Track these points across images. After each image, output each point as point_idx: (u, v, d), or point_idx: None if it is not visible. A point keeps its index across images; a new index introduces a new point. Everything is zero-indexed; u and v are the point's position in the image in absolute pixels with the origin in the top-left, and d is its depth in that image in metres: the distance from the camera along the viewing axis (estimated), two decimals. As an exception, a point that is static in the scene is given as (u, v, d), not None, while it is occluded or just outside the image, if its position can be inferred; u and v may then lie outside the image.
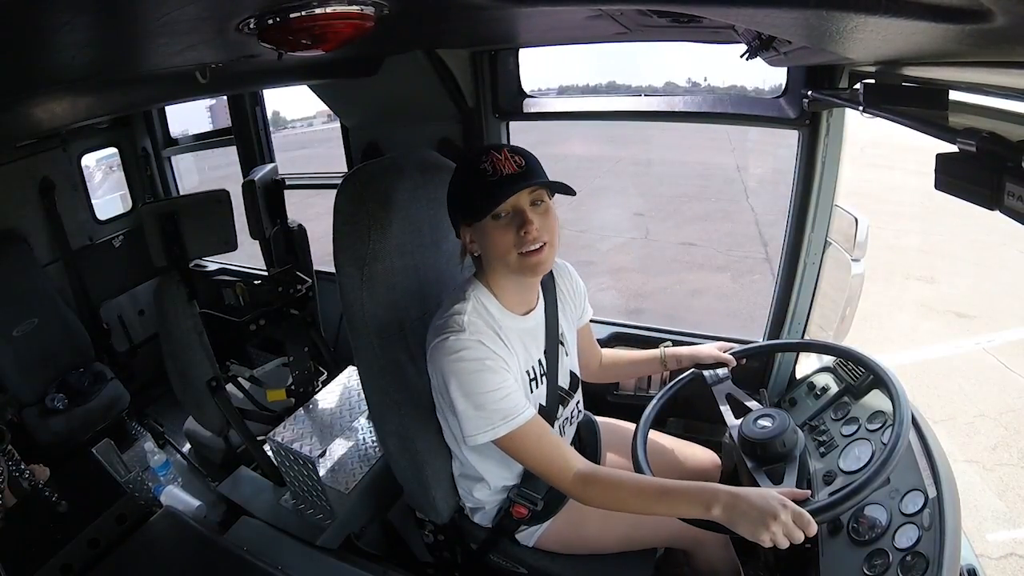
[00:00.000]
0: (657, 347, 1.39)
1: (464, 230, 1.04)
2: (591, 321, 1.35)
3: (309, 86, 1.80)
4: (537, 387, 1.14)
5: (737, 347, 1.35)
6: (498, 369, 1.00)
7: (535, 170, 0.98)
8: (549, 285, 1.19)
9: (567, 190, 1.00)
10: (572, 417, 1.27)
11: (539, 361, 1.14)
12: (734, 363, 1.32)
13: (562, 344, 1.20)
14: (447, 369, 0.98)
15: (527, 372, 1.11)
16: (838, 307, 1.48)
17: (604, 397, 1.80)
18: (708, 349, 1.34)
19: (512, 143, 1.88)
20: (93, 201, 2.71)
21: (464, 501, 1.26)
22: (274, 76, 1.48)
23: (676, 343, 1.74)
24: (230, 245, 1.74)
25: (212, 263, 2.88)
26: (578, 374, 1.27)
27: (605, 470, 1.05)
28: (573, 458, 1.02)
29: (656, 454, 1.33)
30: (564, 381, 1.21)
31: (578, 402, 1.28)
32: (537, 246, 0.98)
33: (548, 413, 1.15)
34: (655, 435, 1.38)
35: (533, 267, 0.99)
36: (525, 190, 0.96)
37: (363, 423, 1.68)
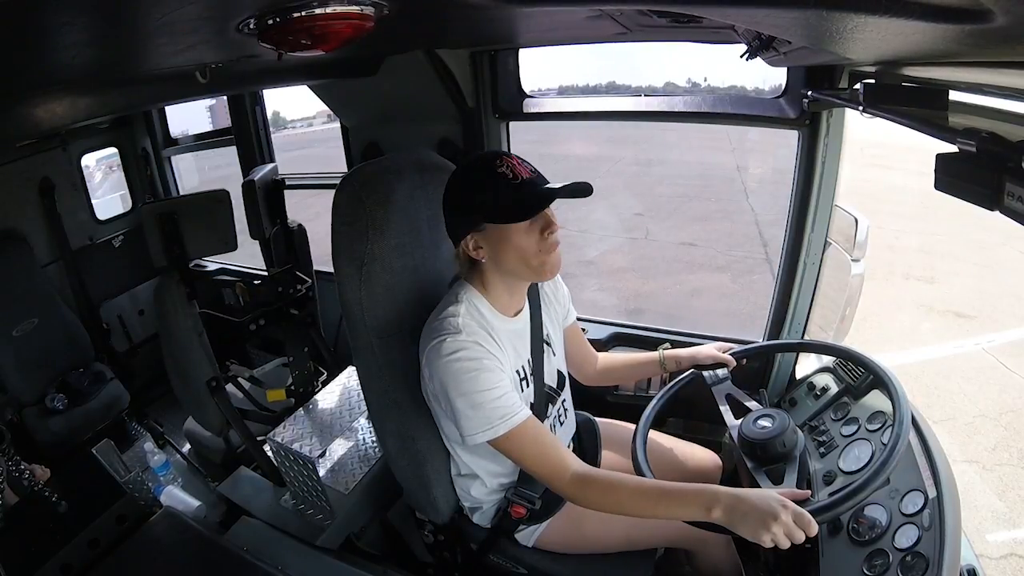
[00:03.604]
0: (656, 349, 1.39)
1: (472, 235, 1.03)
2: (588, 321, 1.35)
3: (309, 86, 1.80)
4: (526, 387, 1.15)
5: (736, 347, 1.35)
6: (494, 369, 1.00)
7: (542, 175, 1.02)
8: (533, 287, 1.20)
9: (585, 191, 1.01)
10: (561, 416, 1.27)
11: (528, 361, 1.16)
12: (733, 363, 1.32)
13: (548, 344, 1.22)
14: (444, 370, 0.99)
15: (517, 372, 1.12)
16: (838, 307, 1.48)
17: (604, 397, 1.80)
18: (707, 350, 1.34)
19: (512, 143, 1.90)
20: (93, 201, 2.70)
21: (463, 501, 1.26)
22: (274, 76, 1.48)
23: (676, 343, 1.74)
24: (230, 245, 1.73)
25: (212, 263, 2.88)
26: (565, 374, 1.28)
27: (603, 472, 1.05)
28: (570, 459, 1.02)
29: (657, 455, 1.32)
30: (551, 380, 1.23)
31: (564, 400, 1.28)
32: (557, 245, 1.03)
33: (538, 412, 1.15)
34: (655, 435, 1.38)
35: (552, 268, 1.04)
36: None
37: (363, 423, 1.67)
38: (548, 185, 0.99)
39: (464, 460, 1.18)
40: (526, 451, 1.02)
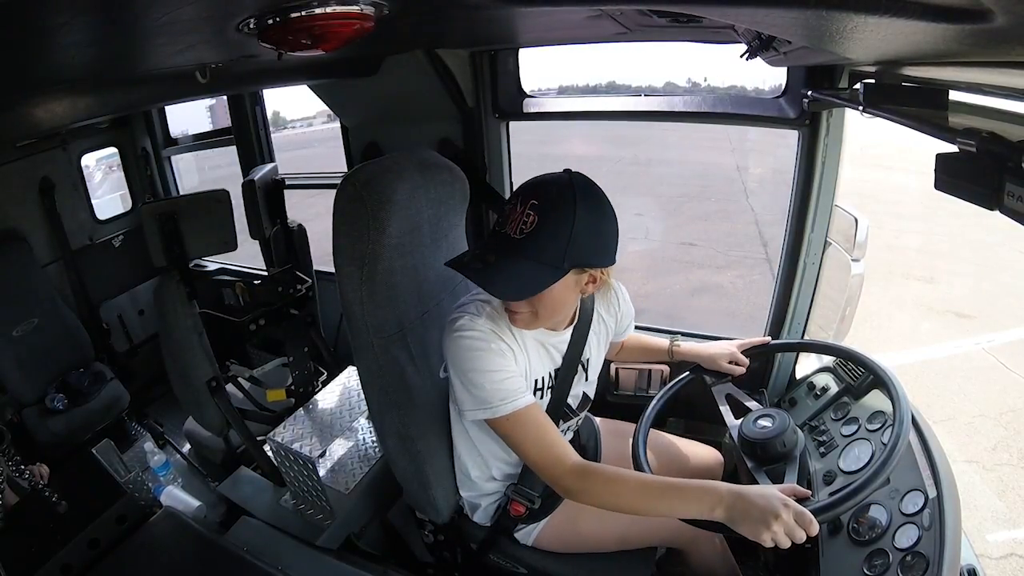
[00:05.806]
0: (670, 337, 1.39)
1: None
2: None
3: (309, 86, 1.80)
4: (541, 398, 1.12)
5: (750, 341, 1.35)
6: (504, 353, 1.00)
7: (535, 240, 0.89)
8: (588, 308, 1.16)
9: (512, 294, 0.94)
10: (569, 430, 1.26)
11: (550, 374, 1.13)
12: (740, 372, 1.30)
13: (583, 367, 1.18)
14: (450, 344, 1.00)
15: (535, 381, 1.10)
16: (838, 307, 1.48)
17: (604, 397, 1.80)
18: (714, 357, 1.32)
19: (512, 143, 1.90)
20: (93, 201, 2.70)
21: (462, 490, 1.25)
22: (274, 76, 1.48)
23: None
24: (230, 245, 1.73)
25: (212, 263, 2.88)
26: (591, 396, 1.25)
27: (604, 465, 1.04)
28: (571, 451, 1.00)
29: (660, 452, 1.33)
30: (573, 401, 1.20)
31: (579, 420, 1.26)
32: (512, 311, 0.99)
33: None
34: (658, 433, 1.38)
35: (511, 320, 1.01)
36: None
37: (363, 423, 1.68)
38: (475, 251, 0.96)
39: (472, 438, 1.17)
40: (528, 435, 0.99)
